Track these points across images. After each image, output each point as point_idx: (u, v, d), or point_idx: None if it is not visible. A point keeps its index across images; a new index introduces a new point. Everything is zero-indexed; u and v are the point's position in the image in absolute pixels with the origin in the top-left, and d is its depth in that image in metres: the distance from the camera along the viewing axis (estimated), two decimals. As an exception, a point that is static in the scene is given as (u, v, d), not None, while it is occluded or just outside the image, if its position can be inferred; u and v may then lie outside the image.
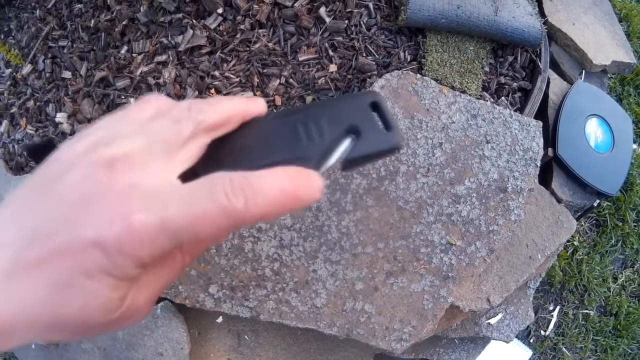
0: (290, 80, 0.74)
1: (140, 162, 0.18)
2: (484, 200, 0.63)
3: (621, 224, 1.13)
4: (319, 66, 0.74)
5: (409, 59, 0.75)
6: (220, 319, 0.68)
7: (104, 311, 0.19)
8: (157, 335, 0.68)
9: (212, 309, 0.60)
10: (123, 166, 0.18)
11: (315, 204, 0.60)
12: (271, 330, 0.68)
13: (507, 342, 0.80)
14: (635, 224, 1.15)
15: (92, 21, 0.84)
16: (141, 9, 0.82)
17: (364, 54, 0.74)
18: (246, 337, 0.68)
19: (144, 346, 0.69)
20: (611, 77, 1.22)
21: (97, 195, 0.17)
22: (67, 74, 0.84)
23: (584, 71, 0.87)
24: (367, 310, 0.59)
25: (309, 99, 0.73)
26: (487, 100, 0.71)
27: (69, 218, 0.18)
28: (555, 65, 0.87)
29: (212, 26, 0.78)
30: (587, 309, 1.10)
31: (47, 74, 0.85)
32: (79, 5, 0.87)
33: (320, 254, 0.58)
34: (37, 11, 0.90)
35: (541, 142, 0.68)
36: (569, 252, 1.10)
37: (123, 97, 0.79)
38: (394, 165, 0.61)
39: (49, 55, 0.86)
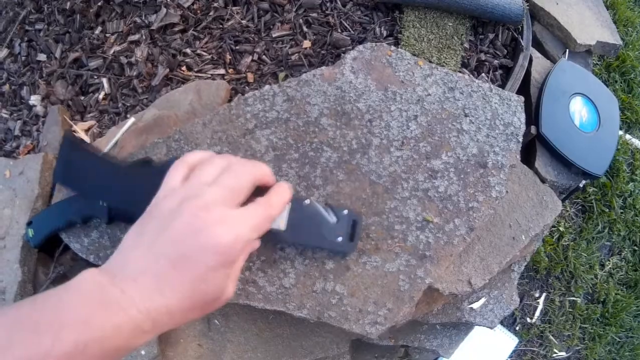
0: (263, 56, 0.68)
1: (222, 203, 0.33)
2: (462, 176, 0.56)
3: (607, 210, 1.06)
4: (293, 42, 0.68)
5: (385, 35, 0.68)
6: (189, 303, 0.62)
7: (222, 292, 0.32)
8: (124, 320, 0.62)
9: (177, 290, 0.54)
10: (214, 206, 0.31)
11: (284, 179, 0.53)
12: (242, 315, 0.61)
13: (491, 327, 0.73)
14: (621, 210, 1.08)
15: (68, 3, 0.79)
16: (116, -10, 0.76)
17: (339, 30, 0.68)
18: (216, 321, 0.61)
19: (112, 332, 0.63)
20: (596, 64, 1.15)
21: (205, 223, 0.31)
22: (42, 57, 0.78)
23: (567, 50, 0.80)
24: (338, 291, 0.52)
25: (281, 75, 0.67)
26: (465, 75, 0.65)
27: (192, 241, 0.30)
28: (538, 45, 0.80)
29: (186, 5, 0.72)
30: (574, 296, 1.02)
31: (23, 58, 0.79)
32: (55, -12, 0.81)
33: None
34: (15, -5, 0.84)
35: (523, 117, 0.62)
36: (555, 237, 1.03)
37: (95, 77, 0.73)
38: (366, 138, 0.55)
39: (25, 39, 0.80)
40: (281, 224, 0.42)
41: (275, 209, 0.36)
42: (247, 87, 0.66)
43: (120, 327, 0.27)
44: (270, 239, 0.43)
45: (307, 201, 0.44)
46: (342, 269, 0.52)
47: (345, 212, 0.46)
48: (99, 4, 0.76)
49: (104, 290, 0.28)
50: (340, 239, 0.45)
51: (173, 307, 0.29)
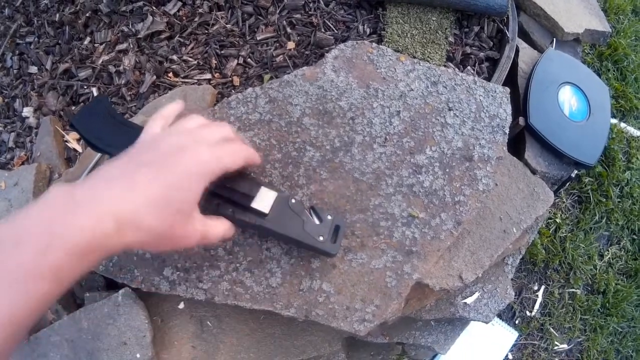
0: (249, 60, 0.68)
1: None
2: (447, 170, 0.56)
3: (604, 200, 1.04)
4: (277, 44, 0.68)
5: (368, 32, 0.68)
6: (182, 305, 0.62)
7: (188, 216, 0.31)
8: (119, 323, 0.62)
9: (168, 292, 0.54)
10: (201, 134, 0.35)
11: (267, 179, 0.53)
12: (234, 316, 0.61)
13: (486, 322, 0.72)
14: (619, 199, 1.06)
15: (57, 15, 0.79)
16: (104, 0, 0.77)
17: (323, 30, 0.68)
18: (209, 323, 0.61)
19: (108, 335, 0.63)
20: (588, 53, 1.13)
21: (190, 145, 0.33)
22: (33, 69, 0.79)
23: (555, 39, 0.79)
24: (325, 289, 0.51)
25: (267, 77, 0.66)
26: (449, 68, 0.64)
27: (174, 154, 0.32)
28: (525, 35, 0.79)
29: (172, 12, 0.73)
30: (573, 288, 1.01)
31: (15, 71, 0.80)
32: (45, 0, 0.82)
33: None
34: (6, 10, 0.85)
35: (509, 108, 0.61)
36: (552, 229, 1.01)
37: (85, 87, 0.73)
38: (348, 135, 0.54)
39: (17, 52, 0.81)
40: (265, 206, 0.43)
41: (248, 151, 0.38)
42: (233, 91, 0.66)
43: (84, 228, 0.25)
44: (251, 224, 0.43)
45: (293, 200, 0.44)
46: (328, 267, 0.52)
47: (329, 217, 0.46)
48: (87, 14, 0.77)
49: (70, 196, 0.26)
50: (321, 238, 0.44)
51: (141, 211, 0.27)
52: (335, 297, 0.51)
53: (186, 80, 0.68)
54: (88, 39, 0.76)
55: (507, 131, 0.60)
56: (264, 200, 0.43)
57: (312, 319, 0.51)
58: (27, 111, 0.77)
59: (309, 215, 0.46)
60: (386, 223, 0.53)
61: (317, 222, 0.45)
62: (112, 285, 0.66)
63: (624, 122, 1.13)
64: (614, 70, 1.17)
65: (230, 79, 0.67)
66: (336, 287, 0.51)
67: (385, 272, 0.52)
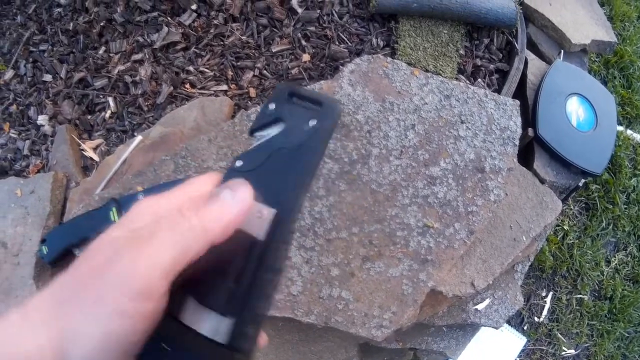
0: (264, 71, 0.72)
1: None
2: (460, 181, 0.59)
3: (611, 206, 1.09)
4: (292, 56, 0.72)
5: (381, 45, 0.72)
6: (200, 313, 0.65)
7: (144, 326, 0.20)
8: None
9: (189, 302, 0.57)
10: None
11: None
12: (252, 323, 0.64)
13: (496, 328, 0.76)
14: (625, 206, 1.10)
15: (71, 24, 0.83)
16: (118, 9, 0.80)
17: (337, 42, 0.71)
18: (227, 330, 0.65)
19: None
20: (595, 61, 1.18)
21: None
22: (47, 77, 0.82)
23: (562, 51, 0.83)
24: (344, 297, 0.55)
25: (282, 88, 0.70)
26: (461, 82, 0.68)
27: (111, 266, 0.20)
28: (533, 47, 0.83)
29: (187, 22, 0.76)
30: (580, 294, 1.05)
31: (29, 78, 0.83)
32: (59, 9, 0.85)
33: (293, 241, 0.55)
34: (19, 17, 0.88)
35: (519, 120, 0.65)
36: (559, 236, 1.06)
37: (101, 96, 0.77)
38: (365, 148, 0.58)
39: (30, 59, 0.84)
40: (264, 219, 0.23)
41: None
42: (249, 102, 0.70)
43: None
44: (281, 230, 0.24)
45: (239, 162, 0.26)
46: (347, 275, 0.55)
47: (273, 105, 0.27)
48: (102, 24, 0.80)
49: None
50: (313, 122, 0.26)
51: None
52: (354, 305, 0.55)
53: (203, 91, 0.72)
54: (103, 48, 0.80)
55: (517, 143, 0.64)
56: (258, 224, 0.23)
57: (332, 326, 0.54)
58: (42, 119, 0.80)
59: (267, 138, 0.27)
60: (402, 233, 0.56)
61: (280, 126, 0.27)
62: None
63: (630, 129, 1.17)
64: (620, 78, 1.21)
65: (247, 90, 0.71)
66: (355, 295, 0.55)
67: (402, 280, 0.56)
